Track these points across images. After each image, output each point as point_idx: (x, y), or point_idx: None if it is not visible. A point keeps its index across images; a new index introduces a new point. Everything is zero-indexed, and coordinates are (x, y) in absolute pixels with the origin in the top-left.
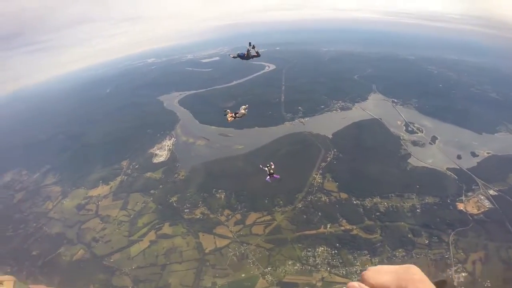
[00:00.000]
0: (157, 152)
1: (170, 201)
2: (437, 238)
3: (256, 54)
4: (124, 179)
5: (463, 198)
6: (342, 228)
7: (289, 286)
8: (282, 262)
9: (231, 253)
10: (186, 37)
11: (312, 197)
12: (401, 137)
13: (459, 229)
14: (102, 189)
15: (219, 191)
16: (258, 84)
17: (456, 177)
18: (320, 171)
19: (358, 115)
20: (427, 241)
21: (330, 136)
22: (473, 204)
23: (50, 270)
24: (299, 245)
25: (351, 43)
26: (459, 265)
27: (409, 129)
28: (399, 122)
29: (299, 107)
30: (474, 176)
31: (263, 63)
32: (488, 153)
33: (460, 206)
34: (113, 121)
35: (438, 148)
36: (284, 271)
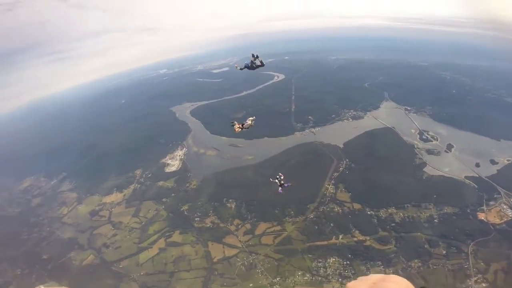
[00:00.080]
0: (169, 161)
1: (181, 209)
2: (455, 249)
3: (260, 64)
4: (137, 187)
5: (484, 207)
6: (355, 239)
7: None
8: (292, 272)
9: (240, 263)
10: (196, 48)
11: (324, 207)
12: (416, 146)
13: (480, 239)
14: (115, 196)
15: (230, 200)
16: (268, 94)
17: (476, 186)
18: (333, 181)
19: (370, 124)
20: (444, 252)
21: (342, 146)
22: (495, 214)
23: (59, 274)
24: (310, 255)
25: (360, 51)
26: (479, 275)
27: (424, 137)
28: (412, 131)
29: (309, 117)
30: (495, 184)
31: (272, 73)
32: (508, 160)
33: (481, 216)
34: (127, 131)
35: (455, 156)
36: (293, 281)
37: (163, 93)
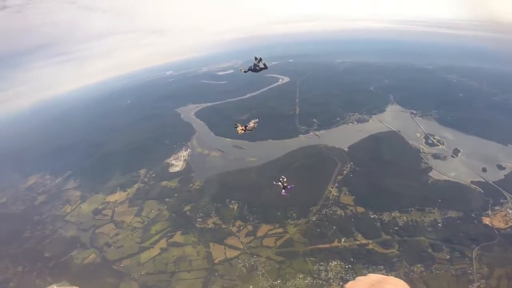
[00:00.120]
0: (174, 162)
1: (184, 209)
2: (459, 253)
3: (264, 67)
4: (141, 187)
5: (489, 212)
6: (357, 242)
7: None
8: (293, 275)
9: (241, 264)
10: (201, 50)
11: (327, 210)
12: (421, 150)
13: (484, 244)
14: (119, 195)
15: (232, 202)
16: (272, 97)
17: (482, 191)
18: (336, 185)
19: (375, 128)
20: (448, 256)
21: (346, 149)
22: (500, 218)
23: (60, 272)
24: (311, 258)
25: (365, 54)
26: (483, 280)
27: (429, 141)
28: (418, 135)
29: (314, 120)
30: (501, 189)
31: (276, 75)
32: None
33: (486, 221)
34: (133, 131)
35: (461, 161)
36: (294, 284)
37: (169, 95)
